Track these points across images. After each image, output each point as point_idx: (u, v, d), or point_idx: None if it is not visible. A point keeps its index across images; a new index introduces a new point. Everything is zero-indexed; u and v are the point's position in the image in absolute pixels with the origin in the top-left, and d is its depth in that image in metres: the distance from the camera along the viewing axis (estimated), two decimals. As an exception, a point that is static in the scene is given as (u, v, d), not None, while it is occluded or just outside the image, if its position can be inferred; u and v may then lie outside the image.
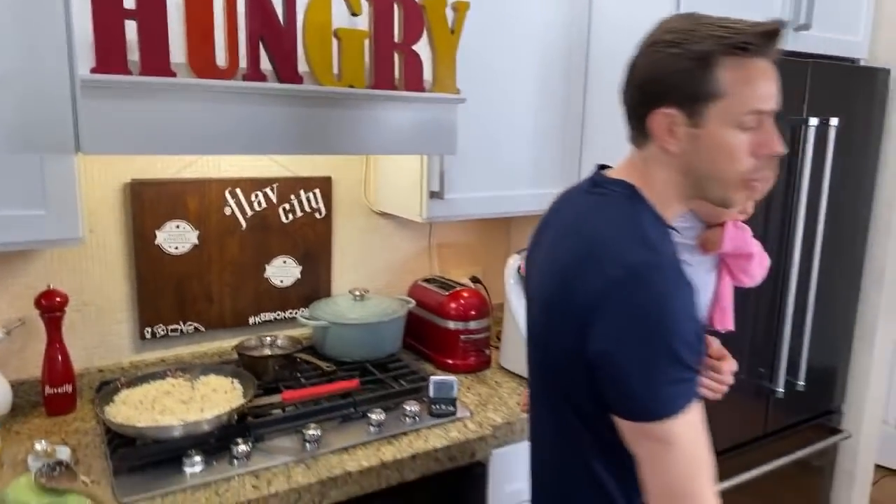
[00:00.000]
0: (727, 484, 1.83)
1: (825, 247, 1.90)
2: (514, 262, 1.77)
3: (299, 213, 1.75)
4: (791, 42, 1.82)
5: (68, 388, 1.47)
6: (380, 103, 1.33)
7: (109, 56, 1.05)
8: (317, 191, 1.76)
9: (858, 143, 1.99)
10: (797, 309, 1.87)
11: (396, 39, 1.31)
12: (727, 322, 1.23)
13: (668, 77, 0.88)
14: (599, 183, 0.98)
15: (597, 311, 0.84)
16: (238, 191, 1.65)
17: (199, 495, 1.18)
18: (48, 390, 1.45)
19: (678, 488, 0.83)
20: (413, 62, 1.34)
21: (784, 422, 2.01)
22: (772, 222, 1.80)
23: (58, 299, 1.44)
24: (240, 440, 1.29)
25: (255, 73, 1.18)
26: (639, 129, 0.94)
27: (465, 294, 1.81)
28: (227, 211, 1.65)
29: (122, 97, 1.08)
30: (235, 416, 1.33)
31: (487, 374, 1.77)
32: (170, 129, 1.14)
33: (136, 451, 1.25)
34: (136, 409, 1.34)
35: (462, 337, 1.76)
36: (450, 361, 1.76)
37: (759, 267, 1.19)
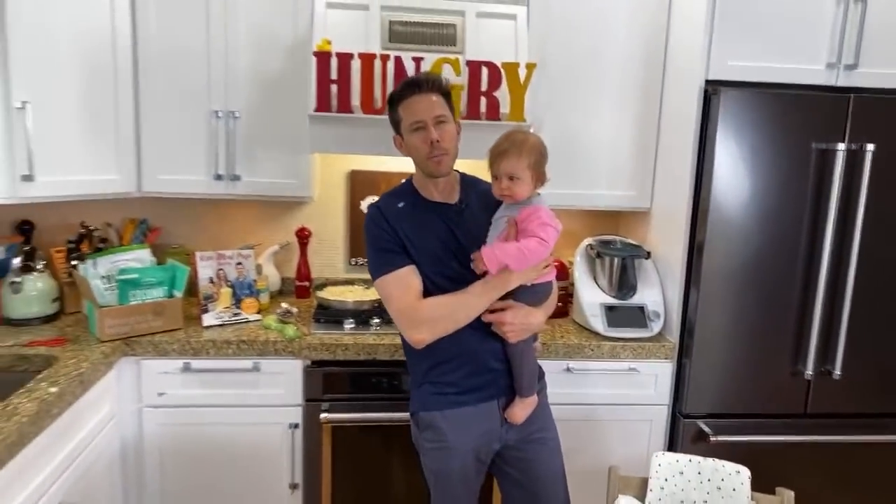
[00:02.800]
0: (767, 438, 2.24)
1: (875, 259, 2.17)
2: (584, 244, 2.45)
3: (448, 198, 2.67)
4: (842, 78, 2.16)
5: (307, 283, 2.63)
6: (468, 128, 2.16)
7: (322, 102, 2.11)
8: (461, 183, 2.67)
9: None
10: (834, 308, 2.19)
11: (483, 88, 2.16)
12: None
13: (390, 119, 1.72)
14: None
15: None
16: (410, 180, 2.65)
17: (346, 337, 2.18)
18: (297, 283, 2.62)
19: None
20: (492, 102, 2.16)
21: (829, 408, 2.28)
22: (804, 228, 2.16)
23: (307, 233, 2.61)
24: (376, 317, 2.27)
25: (395, 110, 2.14)
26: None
27: (556, 263, 2.53)
28: (403, 192, 2.65)
29: (327, 123, 2.14)
30: (377, 304, 2.32)
31: (560, 321, 2.49)
32: (352, 140, 2.17)
33: (325, 312, 2.32)
34: (332, 294, 2.41)
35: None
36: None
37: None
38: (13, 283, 2.14)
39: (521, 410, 1.72)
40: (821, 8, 2.13)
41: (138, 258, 2.23)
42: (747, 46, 2.14)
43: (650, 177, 2.48)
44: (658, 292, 2.37)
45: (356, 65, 2.11)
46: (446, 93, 1.68)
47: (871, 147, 2.09)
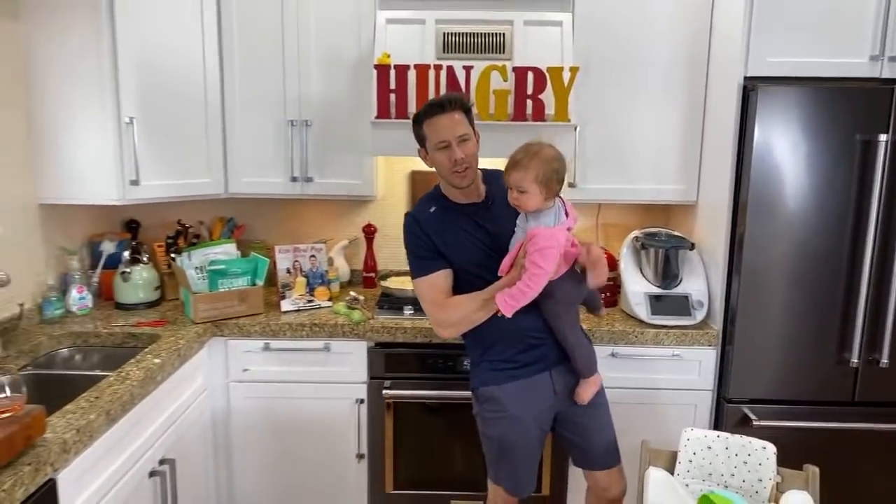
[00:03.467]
0: (809, 424, 2.30)
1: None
2: (630, 236, 2.57)
3: (503, 194, 2.85)
4: (886, 70, 2.19)
5: (373, 274, 2.87)
6: (516, 129, 2.34)
7: (382, 109, 2.34)
8: (514, 181, 2.84)
9: None
10: (880, 296, 2.22)
11: (529, 92, 2.32)
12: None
13: (413, 133, 1.87)
14: None
15: None
16: (467, 178, 2.85)
17: (406, 321, 2.40)
18: (364, 274, 2.88)
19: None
20: (538, 104, 2.33)
21: (876, 396, 2.30)
22: (848, 219, 2.20)
23: (372, 228, 2.86)
24: (432, 304, 2.49)
25: (448, 115, 2.35)
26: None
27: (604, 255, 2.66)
28: (460, 190, 2.86)
29: (387, 129, 2.36)
30: (434, 294, 2.53)
31: (609, 310, 2.61)
32: (409, 143, 2.37)
33: (388, 299, 2.56)
34: (395, 284, 2.64)
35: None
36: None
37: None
38: (123, 272, 2.49)
39: (584, 390, 1.89)
40: (862, 0, 2.17)
41: (226, 251, 2.54)
42: (787, 43, 2.20)
43: (696, 171, 2.57)
44: (703, 282, 2.46)
45: (412, 75, 2.33)
46: (467, 109, 1.82)
47: (914, 137, 2.12)
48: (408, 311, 2.47)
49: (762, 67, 2.22)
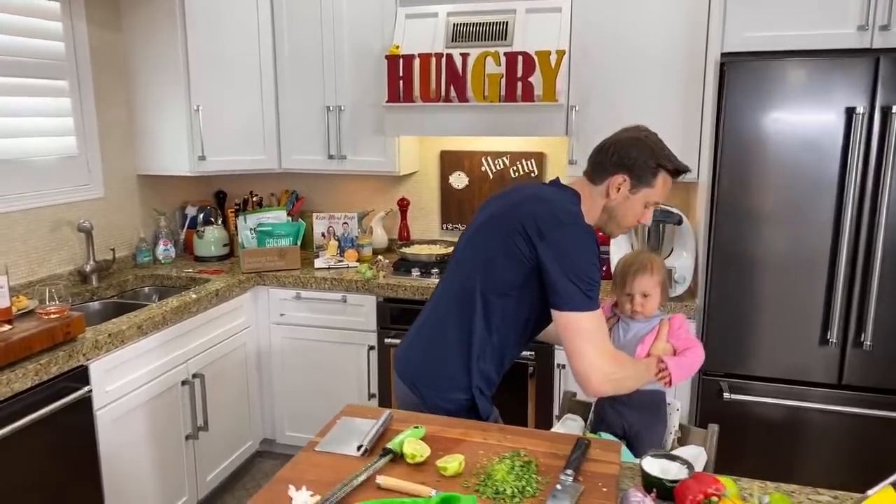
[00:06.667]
0: (783, 402, 2.31)
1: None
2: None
3: (522, 172, 3.06)
4: (877, 40, 2.11)
5: (405, 241, 3.24)
6: (508, 109, 2.57)
7: (392, 94, 2.68)
8: (532, 160, 3.03)
9: None
10: (866, 276, 2.15)
11: (519, 75, 2.53)
12: None
13: (639, 163, 1.51)
14: (559, 184, 1.63)
15: (545, 234, 1.45)
16: (488, 157, 3.10)
17: (408, 281, 2.74)
18: (398, 242, 3.25)
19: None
20: (527, 86, 2.53)
21: (860, 381, 2.22)
22: (833, 192, 2.16)
23: (405, 202, 3.22)
24: (436, 268, 2.79)
25: (447, 98, 2.63)
26: (600, 175, 1.56)
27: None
28: (483, 168, 3.11)
29: (397, 111, 2.71)
30: (439, 258, 2.84)
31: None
32: (415, 123, 2.71)
33: (404, 263, 2.91)
34: (411, 250, 2.98)
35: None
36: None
37: None
38: (198, 231, 3.11)
39: None
40: (849, -29, 2.11)
41: (277, 217, 3.05)
42: (764, 17, 2.20)
43: (696, 149, 2.59)
44: (691, 257, 2.51)
45: (417, 63, 2.64)
46: None
47: (897, 109, 2.03)
48: (415, 272, 2.81)
49: (738, 43, 2.24)
